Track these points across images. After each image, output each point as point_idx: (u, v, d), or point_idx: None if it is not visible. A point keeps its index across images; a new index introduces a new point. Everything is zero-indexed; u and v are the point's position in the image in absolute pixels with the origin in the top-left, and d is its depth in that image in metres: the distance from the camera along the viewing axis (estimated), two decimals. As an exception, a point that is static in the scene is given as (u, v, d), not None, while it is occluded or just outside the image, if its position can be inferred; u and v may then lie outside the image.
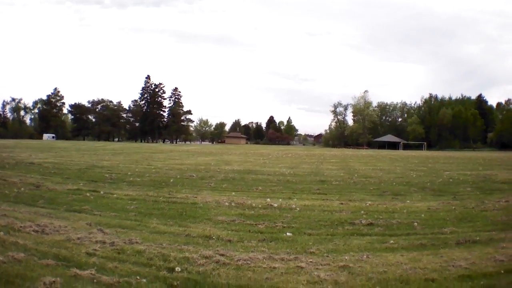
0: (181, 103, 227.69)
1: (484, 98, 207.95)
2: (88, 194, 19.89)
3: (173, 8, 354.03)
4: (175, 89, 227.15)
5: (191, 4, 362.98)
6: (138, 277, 8.66)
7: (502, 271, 9.34)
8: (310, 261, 10.15)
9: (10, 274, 8.43)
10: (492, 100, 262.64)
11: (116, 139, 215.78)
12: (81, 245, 10.90)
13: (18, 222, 12.92)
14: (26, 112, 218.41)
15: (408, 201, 19.95)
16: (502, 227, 14.24)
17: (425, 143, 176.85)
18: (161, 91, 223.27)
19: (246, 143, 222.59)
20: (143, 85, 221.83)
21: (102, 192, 20.62)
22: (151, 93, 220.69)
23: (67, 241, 11.28)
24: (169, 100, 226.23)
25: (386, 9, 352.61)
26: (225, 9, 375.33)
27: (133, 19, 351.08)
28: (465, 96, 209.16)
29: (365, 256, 10.60)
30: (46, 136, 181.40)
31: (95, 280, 8.42)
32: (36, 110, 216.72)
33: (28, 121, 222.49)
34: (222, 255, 10.45)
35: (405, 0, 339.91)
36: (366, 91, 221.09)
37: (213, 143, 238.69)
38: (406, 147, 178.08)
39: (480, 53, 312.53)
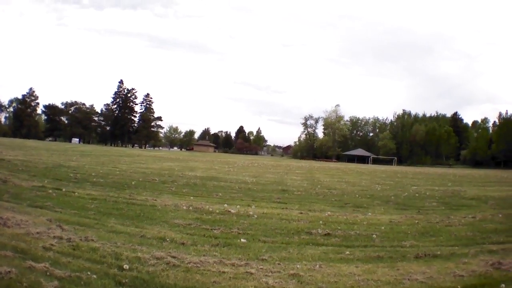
0: (152, 109, 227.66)
1: (460, 116, 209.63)
2: (51, 191, 19.95)
3: (149, 12, 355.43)
4: (147, 95, 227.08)
5: (167, 8, 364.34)
6: (89, 273, 8.79)
7: (460, 287, 9.35)
8: (261, 268, 10.21)
9: (-32, 263, 8.48)
10: (468, 118, 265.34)
11: (81, 142, 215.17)
12: (39, 240, 11.04)
13: (-19, 215, 12.94)
14: (1, 111, 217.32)
15: (369, 214, 19.99)
16: (466, 242, 14.25)
17: (396, 158, 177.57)
18: (133, 96, 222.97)
19: (214, 151, 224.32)
20: (116, 90, 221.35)
21: (64, 190, 20.77)
22: (123, 98, 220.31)
23: (26, 235, 11.40)
24: (141, 105, 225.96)
25: (364, 23, 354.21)
26: (201, 16, 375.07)
27: (109, 21, 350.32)
28: (440, 114, 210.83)
29: (317, 266, 10.63)
30: (73, 140, 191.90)
31: (48, 273, 8.56)
32: (11, 109, 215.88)
33: (3, 120, 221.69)
34: (174, 257, 10.53)
35: (383, 15, 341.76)
36: (337, 105, 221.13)
37: (181, 150, 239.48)
38: (376, 161, 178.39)
39: (457, 71, 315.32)
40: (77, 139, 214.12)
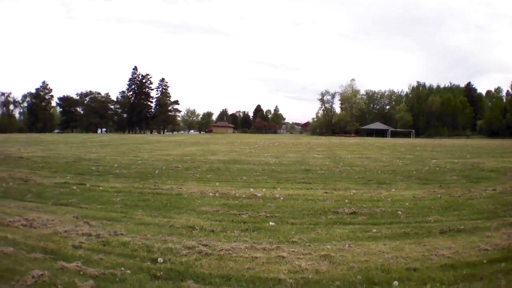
0: (168, 93, 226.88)
1: (473, 86, 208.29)
2: (74, 187, 19.89)
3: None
4: (162, 79, 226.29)
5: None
6: (122, 269, 8.80)
7: (485, 261, 9.39)
8: (292, 251, 10.25)
9: (0, 268, 8.53)
10: (481, 88, 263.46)
11: (100, 131, 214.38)
12: (67, 238, 11.00)
13: (7, 217, 13.04)
14: (15, 106, 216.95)
15: (393, 190, 20.00)
16: (488, 215, 14.29)
17: (413, 130, 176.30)
18: (148, 82, 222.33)
19: (233, 132, 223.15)
20: (130, 76, 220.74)
21: (88, 185, 20.64)
22: (139, 84, 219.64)
23: (54, 234, 11.37)
24: (157, 90, 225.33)
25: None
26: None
27: (119, 10, 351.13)
28: (453, 85, 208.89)
29: (347, 245, 10.70)
30: (99, 130, 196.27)
31: (81, 272, 8.55)
32: (25, 104, 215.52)
33: (17, 115, 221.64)
34: (205, 245, 10.55)
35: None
36: (353, 79, 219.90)
37: (200, 132, 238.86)
38: (394, 134, 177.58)
39: (469, 42, 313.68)
40: (104, 129, 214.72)
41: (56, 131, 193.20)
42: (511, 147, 67.37)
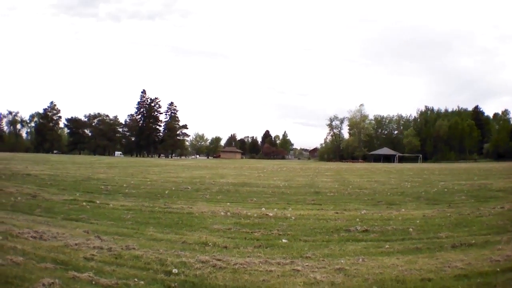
0: (177, 117, 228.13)
1: (481, 109, 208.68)
2: (84, 203, 19.93)
3: (167, 22, 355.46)
4: (171, 103, 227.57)
5: (185, 17, 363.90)
6: (136, 279, 8.81)
7: (498, 270, 9.51)
8: (306, 265, 10.26)
9: (9, 275, 8.55)
10: (489, 111, 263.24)
11: (107, 154, 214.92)
12: (79, 251, 11.00)
13: (16, 229, 13.01)
14: (22, 126, 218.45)
15: (403, 210, 19.98)
16: (498, 230, 14.40)
17: (421, 155, 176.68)
18: (157, 105, 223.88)
19: (242, 157, 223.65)
20: (139, 100, 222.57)
21: (98, 202, 20.65)
22: (147, 107, 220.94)
23: (65, 246, 11.35)
24: (165, 114, 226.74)
25: (382, 23, 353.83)
26: (220, 23, 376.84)
27: (128, 32, 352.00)
28: (461, 108, 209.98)
29: (360, 260, 10.73)
30: (116, 153, 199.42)
31: (93, 282, 8.56)
32: (32, 124, 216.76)
33: (24, 135, 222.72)
34: (219, 260, 10.54)
35: (400, 14, 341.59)
36: (362, 104, 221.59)
37: (208, 157, 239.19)
38: (402, 159, 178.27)
39: (476, 66, 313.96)
40: (120, 153, 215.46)
41: (55, 152, 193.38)
42: (519, 169, 67.21)
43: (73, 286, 8.24)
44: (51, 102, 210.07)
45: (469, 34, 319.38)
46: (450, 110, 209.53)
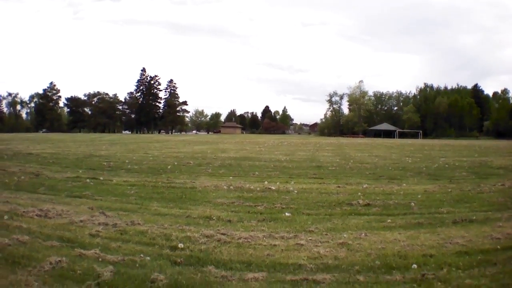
0: (176, 94, 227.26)
1: (480, 88, 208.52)
2: (87, 180, 20.03)
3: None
4: (171, 80, 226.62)
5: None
6: (142, 255, 8.88)
7: (499, 247, 9.58)
8: (310, 239, 10.38)
9: (16, 255, 8.62)
10: (488, 90, 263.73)
11: (107, 131, 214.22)
12: (84, 228, 11.09)
13: (21, 208, 13.10)
14: (22, 107, 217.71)
15: (404, 184, 20.15)
16: (499, 207, 14.53)
17: (421, 131, 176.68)
18: (157, 83, 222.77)
19: (242, 132, 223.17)
20: (139, 77, 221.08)
21: (101, 179, 20.75)
22: (147, 85, 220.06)
23: (70, 224, 11.47)
24: (165, 91, 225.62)
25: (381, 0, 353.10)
26: (219, 0, 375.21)
27: (127, 11, 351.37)
28: (461, 86, 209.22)
29: (363, 234, 10.84)
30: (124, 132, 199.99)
31: (100, 259, 8.61)
32: (32, 104, 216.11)
33: (24, 115, 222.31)
34: (223, 234, 10.67)
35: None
36: (361, 80, 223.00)
37: (208, 133, 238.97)
38: (402, 135, 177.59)
39: (476, 44, 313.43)
40: (128, 131, 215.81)
41: (42, 130, 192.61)
42: (518, 147, 67.37)
43: (80, 263, 8.27)
44: (51, 82, 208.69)
45: (468, 11, 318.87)
46: (449, 87, 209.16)
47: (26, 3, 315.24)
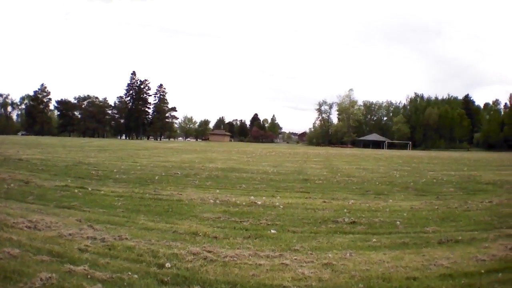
0: (166, 100, 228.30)
1: (471, 98, 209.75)
2: (76, 190, 19.98)
3: (158, 2, 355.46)
4: (160, 85, 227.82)
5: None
6: (129, 273, 8.86)
7: (483, 271, 9.59)
8: (295, 259, 10.39)
9: (7, 270, 8.62)
10: (479, 101, 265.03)
11: (96, 136, 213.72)
12: (73, 241, 11.09)
13: (11, 218, 13.08)
14: (13, 108, 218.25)
15: (390, 200, 20.21)
16: (485, 227, 14.53)
17: (410, 142, 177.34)
18: (146, 87, 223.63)
19: (230, 140, 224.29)
20: (129, 81, 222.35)
21: (89, 189, 20.71)
22: (137, 89, 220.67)
23: (59, 237, 11.46)
24: (154, 96, 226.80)
25: (373, 8, 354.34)
26: (210, 4, 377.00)
27: (118, 13, 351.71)
28: (451, 96, 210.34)
29: (348, 254, 10.85)
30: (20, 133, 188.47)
31: (89, 276, 8.62)
32: (23, 106, 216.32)
33: (15, 117, 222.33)
34: (209, 251, 10.66)
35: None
36: (351, 89, 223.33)
37: (197, 140, 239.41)
38: (391, 146, 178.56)
39: (467, 53, 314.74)
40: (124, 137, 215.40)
41: (20, 133, 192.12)
42: (508, 160, 68.16)
43: (70, 280, 8.30)
44: (42, 84, 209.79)
45: (460, 20, 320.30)
46: (440, 97, 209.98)
47: (17, 3, 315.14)
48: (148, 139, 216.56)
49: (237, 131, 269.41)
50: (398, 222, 14.93)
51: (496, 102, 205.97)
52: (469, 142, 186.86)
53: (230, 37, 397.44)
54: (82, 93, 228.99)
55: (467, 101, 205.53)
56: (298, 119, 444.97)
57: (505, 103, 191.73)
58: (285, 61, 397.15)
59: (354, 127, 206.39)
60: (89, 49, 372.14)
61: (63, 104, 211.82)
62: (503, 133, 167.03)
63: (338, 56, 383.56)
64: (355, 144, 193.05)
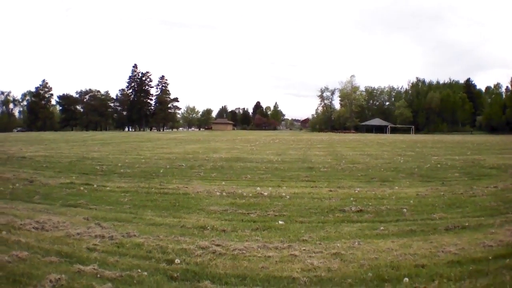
0: (168, 91, 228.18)
1: (473, 82, 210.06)
2: (81, 187, 19.91)
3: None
4: (162, 77, 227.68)
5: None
6: (139, 270, 8.86)
7: (491, 257, 9.60)
8: (303, 249, 10.41)
9: (17, 273, 8.61)
10: (481, 84, 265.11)
11: (99, 129, 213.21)
12: (81, 241, 11.08)
13: (18, 220, 13.06)
14: (15, 105, 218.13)
15: (396, 187, 20.21)
16: (491, 212, 14.57)
17: (413, 126, 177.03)
18: (148, 79, 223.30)
19: (233, 129, 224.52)
20: (130, 74, 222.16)
21: (95, 185, 20.61)
22: (138, 81, 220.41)
23: (67, 237, 11.44)
24: (156, 88, 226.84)
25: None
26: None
27: (118, 7, 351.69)
28: (453, 80, 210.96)
29: (356, 243, 10.89)
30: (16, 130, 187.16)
31: (98, 275, 8.62)
32: (24, 103, 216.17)
33: (17, 114, 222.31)
34: (218, 245, 10.68)
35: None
36: (352, 75, 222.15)
37: (200, 129, 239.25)
38: (394, 130, 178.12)
39: (468, 37, 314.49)
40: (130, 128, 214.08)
41: (16, 129, 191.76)
42: (511, 143, 67.81)
43: (79, 280, 8.29)
44: (43, 80, 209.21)
45: (460, 5, 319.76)
46: (441, 82, 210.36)
47: (18, 0, 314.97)
48: (151, 130, 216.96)
49: (240, 120, 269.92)
50: (404, 210, 14.92)
51: (498, 86, 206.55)
52: (471, 125, 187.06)
53: (230, 27, 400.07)
54: (84, 87, 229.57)
55: (468, 85, 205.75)
56: (300, 106, 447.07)
57: (507, 87, 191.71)
58: (286, 49, 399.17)
59: (357, 113, 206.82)
60: (89, 44, 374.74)
61: (65, 99, 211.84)
62: (505, 116, 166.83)
63: (338, 42, 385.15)
64: (358, 129, 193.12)
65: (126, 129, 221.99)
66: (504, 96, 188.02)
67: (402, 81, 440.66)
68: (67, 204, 16.30)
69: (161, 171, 26.87)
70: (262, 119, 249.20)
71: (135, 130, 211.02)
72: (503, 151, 49.00)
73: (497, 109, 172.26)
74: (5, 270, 8.81)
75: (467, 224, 12.81)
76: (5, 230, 11.89)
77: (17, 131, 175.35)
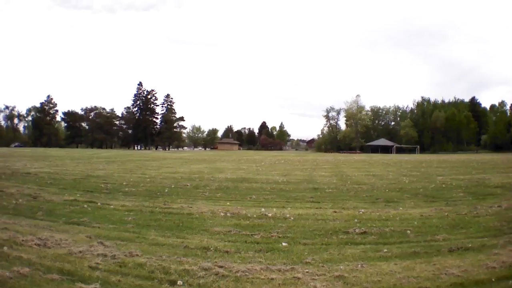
0: (173, 109, 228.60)
1: (478, 101, 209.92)
2: (85, 205, 19.91)
3: (162, 13, 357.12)
4: (168, 95, 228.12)
5: (180, 8, 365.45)
6: None
7: (494, 279, 9.56)
8: (306, 272, 10.32)
9: (18, 291, 8.54)
10: (486, 102, 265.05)
11: (104, 147, 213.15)
12: (83, 259, 11.03)
13: (20, 236, 13.05)
14: (19, 120, 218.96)
15: (400, 208, 20.12)
16: (495, 233, 14.46)
17: (418, 146, 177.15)
18: (154, 97, 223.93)
19: (239, 149, 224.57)
20: (136, 92, 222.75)
21: (99, 203, 20.60)
22: (144, 100, 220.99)
23: (69, 254, 11.40)
24: (162, 106, 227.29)
25: (379, 13, 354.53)
26: (215, 13, 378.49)
27: (123, 24, 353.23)
28: (458, 99, 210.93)
29: (359, 266, 10.79)
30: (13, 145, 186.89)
31: (100, 294, 8.51)
32: (29, 118, 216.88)
33: (21, 129, 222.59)
34: (221, 266, 10.59)
35: (397, 4, 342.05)
36: (358, 95, 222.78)
37: (205, 149, 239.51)
38: (399, 150, 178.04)
39: (472, 55, 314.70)
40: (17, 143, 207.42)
41: (14, 144, 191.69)
42: (516, 162, 67.42)
43: (81, 299, 8.21)
44: (48, 96, 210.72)
45: (464, 23, 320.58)
46: (446, 101, 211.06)
47: (23, 15, 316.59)
48: (156, 149, 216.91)
49: (245, 140, 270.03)
50: (408, 231, 14.86)
51: (502, 104, 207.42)
52: (476, 144, 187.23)
53: (236, 46, 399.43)
54: (89, 104, 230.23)
55: (473, 103, 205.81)
56: (306, 126, 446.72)
57: (511, 104, 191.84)
58: (292, 68, 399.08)
59: (362, 133, 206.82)
60: (95, 61, 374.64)
61: (70, 116, 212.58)
62: (510, 134, 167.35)
63: (344, 62, 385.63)
64: (363, 149, 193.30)
65: (132, 147, 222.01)
66: (508, 114, 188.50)
67: (407, 101, 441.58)
68: (70, 221, 16.26)
69: (166, 190, 26.80)
70: (268, 139, 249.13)
71: (140, 149, 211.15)
72: (508, 169, 48.90)
73: (501, 127, 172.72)
74: (6, 285, 8.83)
75: (470, 245, 12.74)
76: (7, 246, 11.88)
77: (14, 146, 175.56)
